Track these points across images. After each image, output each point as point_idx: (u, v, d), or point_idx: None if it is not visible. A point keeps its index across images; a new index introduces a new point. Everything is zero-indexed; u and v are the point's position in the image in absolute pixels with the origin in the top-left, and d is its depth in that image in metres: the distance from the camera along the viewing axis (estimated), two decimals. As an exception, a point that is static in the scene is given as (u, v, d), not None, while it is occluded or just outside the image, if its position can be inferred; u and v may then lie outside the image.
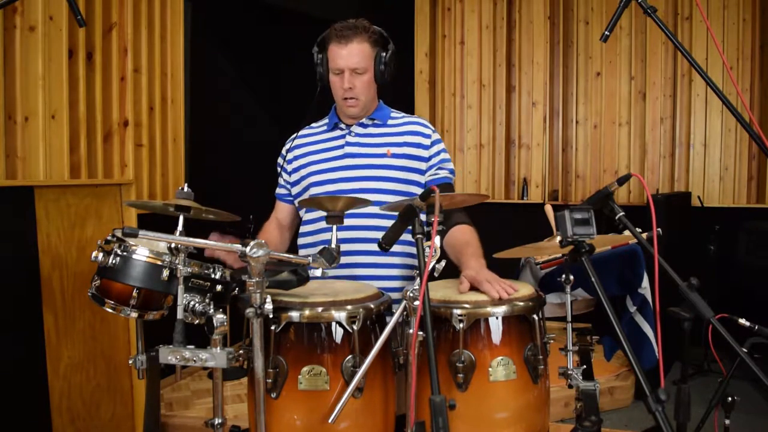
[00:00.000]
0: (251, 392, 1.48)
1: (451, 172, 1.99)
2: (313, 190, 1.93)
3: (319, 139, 2.01)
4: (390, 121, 1.99)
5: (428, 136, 1.97)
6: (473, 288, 1.61)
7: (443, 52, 5.22)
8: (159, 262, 1.44)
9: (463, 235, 1.87)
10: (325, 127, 2.02)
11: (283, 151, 2.06)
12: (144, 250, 1.45)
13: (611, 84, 4.93)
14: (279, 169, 2.06)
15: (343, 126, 1.98)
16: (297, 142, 2.02)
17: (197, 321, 1.42)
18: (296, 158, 2.00)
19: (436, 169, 1.96)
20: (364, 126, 1.97)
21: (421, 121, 2.01)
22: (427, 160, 1.96)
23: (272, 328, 1.44)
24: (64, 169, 2.68)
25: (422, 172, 1.94)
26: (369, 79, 1.88)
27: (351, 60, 1.84)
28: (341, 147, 1.95)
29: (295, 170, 2.00)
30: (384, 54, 1.88)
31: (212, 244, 1.45)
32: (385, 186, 1.88)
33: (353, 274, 1.86)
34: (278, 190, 2.08)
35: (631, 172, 1.59)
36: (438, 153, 1.97)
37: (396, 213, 1.49)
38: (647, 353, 3.26)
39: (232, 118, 4.36)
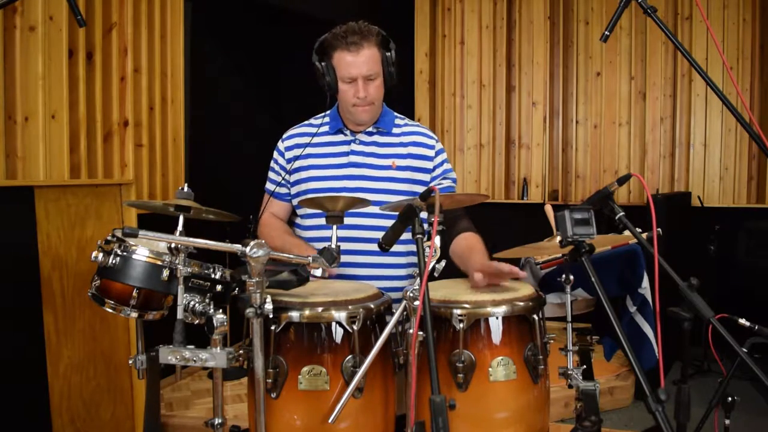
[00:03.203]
0: (251, 392, 1.48)
1: (454, 180, 2.00)
2: (312, 194, 1.90)
3: (321, 142, 1.96)
4: (394, 129, 1.97)
5: (432, 147, 1.96)
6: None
7: (443, 52, 5.22)
8: (159, 262, 1.44)
9: (468, 241, 1.87)
10: (327, 128, 1.97)
11: (281, 148, 2.00)
12: (144, 250, 1.45)
13: (611, 84, 4.93)
14: (277, 166, 2.01)
15: (347, 132, 1.94)
16: (296, 141, 1.97)
17: (197, 321, 1.42)
18: (296, 158, 1.95)
19: (441, 179, 1.96)
20: (370, 134, 1.94)
21: (425, 132, 2.00)
22: (431, 171, 1.96)
23: (272, 328, 1.44)
24: (64, 169, 2.68)
25: (426, 184, 1.94)
26: (380, 83, 1.86)
27: (363, 68, 1.80)
28: (345, 154, 1.92)
29: (296, 171, 1.96)
30: (389, 55, 1.85)
31: (212, 244, 1.45)
32: (389, 198, 1.86)
33: (353, 274, 1.86)
34: (276, 189, 2.00)
35: (631, 172, 1.59)
36: (442, 163, 1.98)
37: (396, 213, 1.49)
38: (647, 353, 3.26)
39: (231, 118, 4.36)
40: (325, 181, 1.91)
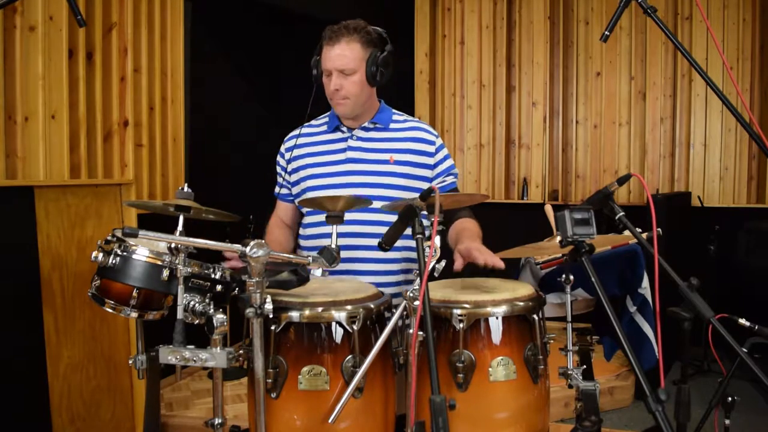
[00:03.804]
0: (251, 392, 1.48)
1: (456, 176, 2.00)
2: (311, 194, 1.91)
3: (320, 140, 1.97)
4: (392, 125, 1.96)
5: (432, 143, 1.95)
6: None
7: (443, 52, 5.22)
8: (159, 262, 1.44)
9: (463, 223, 1.89)
10: (325, 127, 1.98)
11: (282, 150, 2.03)
12: (144, 250, 1.45)
13: (611, 84, 4.93)
14: (279, 168, 2.04)
15: (344, 129, 1.95)
16: (296, 141, 1.99)
17: (197, 321, 1.42)
18: (295, 158, 1.97)
19: (445, 176, 1.96)
20: (366, 130, 1.94)
21: (424, 127, 1.99)
22: (432, 167, 1.95)
23: (272, 328, 1.44)
24: (64, 169, 2.68)
25: (427, 180, 1.93)
26: (359, 80, 1.82)
27: (337, 61, 1.79)
28: (343, 151, 1.93)
29: (295, 171, 1.98)
30: (379, 54, 1.82)
31: (212, 244, 1.45)
32: (387, 193, 1.87)
33: (352, 269, 1.86)
34: (279, 190, 2.04)
35: (631, 172, 1.59)
36: (444, 160, 1.97)
37: (396, 213, 1.49)
38: (647, 353, 3.26)
39: (232, 118, 4.37)
40: (323, 179, 1.92)
